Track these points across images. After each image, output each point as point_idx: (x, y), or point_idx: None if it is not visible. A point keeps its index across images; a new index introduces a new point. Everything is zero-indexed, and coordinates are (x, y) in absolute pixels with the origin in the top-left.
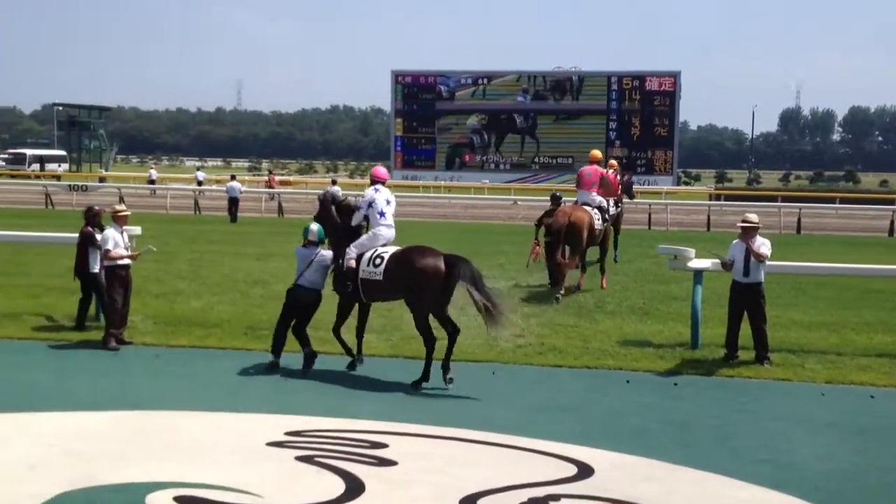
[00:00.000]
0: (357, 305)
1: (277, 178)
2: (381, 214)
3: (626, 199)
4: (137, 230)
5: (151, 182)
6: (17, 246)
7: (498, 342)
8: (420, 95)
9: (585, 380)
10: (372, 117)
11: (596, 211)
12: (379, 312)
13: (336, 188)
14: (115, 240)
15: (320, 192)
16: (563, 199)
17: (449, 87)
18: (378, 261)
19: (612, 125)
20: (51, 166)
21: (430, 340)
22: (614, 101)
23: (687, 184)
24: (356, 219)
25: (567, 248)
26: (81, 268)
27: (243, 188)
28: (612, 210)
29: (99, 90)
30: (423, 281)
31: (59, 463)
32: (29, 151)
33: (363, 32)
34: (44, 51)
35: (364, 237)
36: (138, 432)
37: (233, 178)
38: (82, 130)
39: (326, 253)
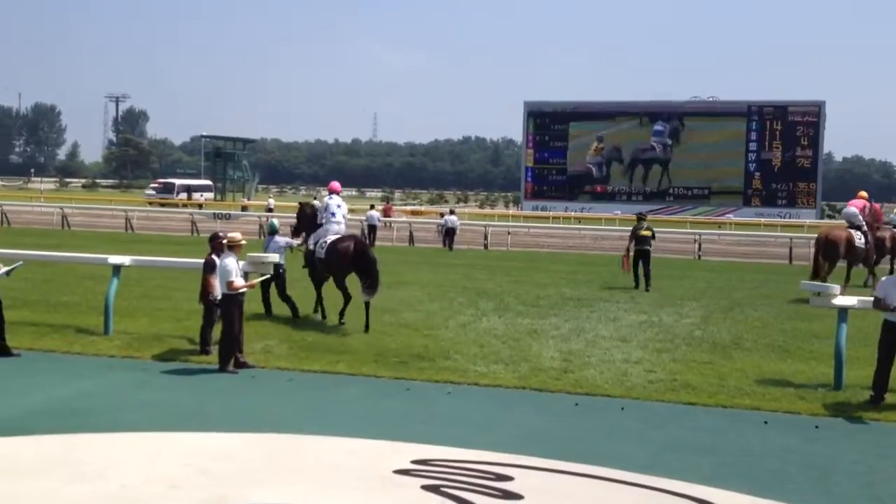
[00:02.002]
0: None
1: (409, 207)
2: (332, 214)
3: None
4: (276, 257)
5: (269, 210)
6: (164, 271)
7: (629, 377)
8: (552, 126)
9: (720, 419)
10: (503, 148)
11: (857, 231)
12: (508, 343)
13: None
14: (236, 270)
15: (440, 220)
16: (648, 216)
17: (581, 117)
18: (323, 244)
19: (752, 156)
20: (197, 195)
21: (346, 298)
22: (754, 131)
23: (831, 217)
24: (319, 218)
25: (827, 264)
26: (205, 293)
27: (381, 217)
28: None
29: (244, 123)
30: (340, 257)
31: (195, 482)
32: (177, 181)
33: (496, 64)
34: (193, 87)
35: (320, 230)
36: (269, 454)
37: (372, 207)
38: (227, 161)
39: (280, 239)
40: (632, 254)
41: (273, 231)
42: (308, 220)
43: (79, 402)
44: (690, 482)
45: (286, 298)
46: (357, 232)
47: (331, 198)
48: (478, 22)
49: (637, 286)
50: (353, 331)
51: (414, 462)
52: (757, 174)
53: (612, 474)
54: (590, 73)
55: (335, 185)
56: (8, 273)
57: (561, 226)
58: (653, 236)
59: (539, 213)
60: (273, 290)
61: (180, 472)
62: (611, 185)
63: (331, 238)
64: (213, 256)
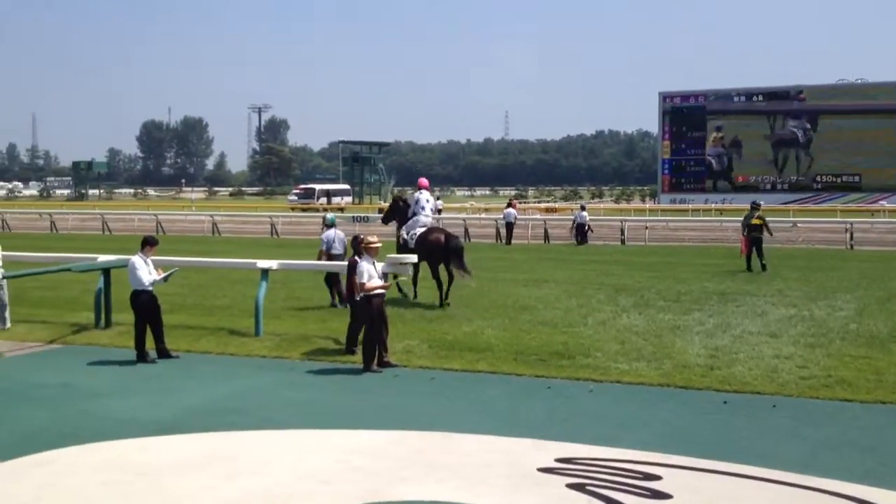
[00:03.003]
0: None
1: (543, 205)
2: (422, 208)
3: None
4: (414, 258)
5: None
6: (308, 274)
7: (780, 374)
8: (689, 116)
9: (879, 416)
10: (638, 140)
11: None
12: (649, 340)
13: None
14: (368, 272)
15: (574, 214)
16: (762, 205)
17: (720, 105)
18: (413, 235)
19: None
20: (337, 199)
21: (441, 282)
22: None
23: None
24: (410, 211)
25: None
26: (350, 294)
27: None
28: None
29: (378, 126)
30: (433, 248)
31: (347, 478)
32: (318, 186)
33: (629, 56)
34: (330, 94)
35: (410, 221)
36: (417, 451)
37: (509, 204)
38: (364, 165)
39: (330, 233)
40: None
41: (331, 224)
42: (401, 213)
43: (233, 402)
44: (846, 481)
45: (330, 285)
46: (492, 230)
47: (420, 193)
48: (606, 12)
49: (750, 269)
50: (493, 329)
51: (558, 460)
52: None
53: (764, 473)
54: (726, 60)
55: (423, 181)
56: (165, 279)
57: (701, 218)
58: (764, 223)
59: (677, 205)
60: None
61: (330, 469)
62: (753, 176)
63: (419, 230)
64: (357, 258)
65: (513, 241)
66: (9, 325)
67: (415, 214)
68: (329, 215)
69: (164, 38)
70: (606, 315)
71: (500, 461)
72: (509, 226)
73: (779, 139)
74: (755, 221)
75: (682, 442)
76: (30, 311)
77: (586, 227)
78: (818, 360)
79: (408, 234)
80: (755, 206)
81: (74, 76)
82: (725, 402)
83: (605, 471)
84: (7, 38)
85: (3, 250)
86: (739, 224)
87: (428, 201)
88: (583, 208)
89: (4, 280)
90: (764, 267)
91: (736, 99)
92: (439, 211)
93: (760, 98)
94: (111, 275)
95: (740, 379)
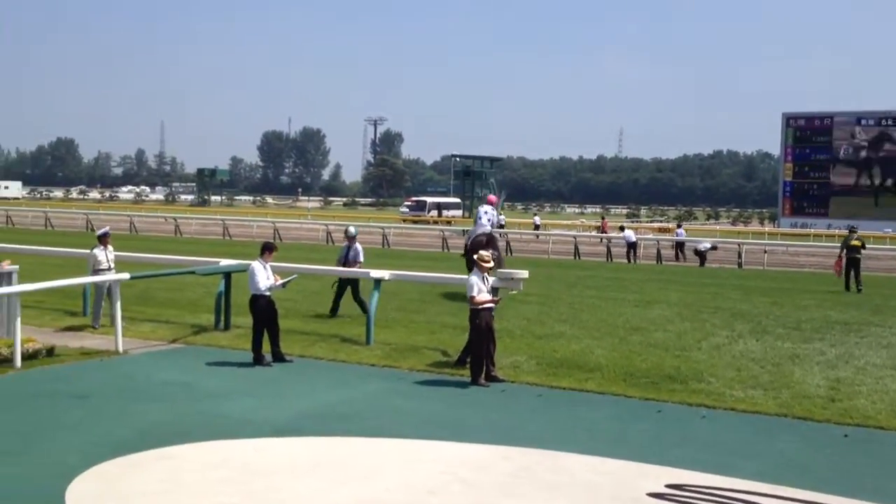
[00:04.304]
0: None
1: (656, 224)
2: (479, 218)
3: None
4: (525, 273)
5: (536, 227)
6: (419, 285)
7: None
8: (813, 138)
9: None
10: (758, 162)
11: None
12: (766, 368)
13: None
14: (478, 286)
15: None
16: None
17: (847, 129)
18: (469, 237)
19: None
20: (447, 213)
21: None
22: None
23: None
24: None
25: None
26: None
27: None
28: None
29: (491, 141)
30: (477, 245)
31: (452, 490)
32: (429, 199)
33: (750, 75)
34: (444, 108)
35: (471, 230)
36: (524, 468)
37: (621, 228)
38: (475, 179)
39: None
40: (844, 262)
41: (351, 237)
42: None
43: (344, 408)
44: None
45: (360, 301)
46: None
47: (483, 207)
48: (727, 30)
49: (848, 289)
50: (602, 349)
51: (668, 486)
52: None
53: None
54: (852, 83)
55: (492, 197)
56: (284, 285)
57: (823, 244)
58: (863, 246)
59: (798, 230)
60: (349, 292)
61: (437, 480)
62: (881, 201)
63: (474, 234)
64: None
65: (613, 260)
66: (98, 325)
67: (476, 225)
68: (351, 228)
69: (285, 50)
70: (721, 340)
71: (607, 483)
72: (631, 245)
73: None
74: (854, 243)
75: (798, 474)
76: (156, 311)
77: (702, 250)
78: None
79: (469, 238)
80: (853, 230)
81: (202, 86)
82: (846, 436)
83: (717, 499)
84: (138, 47)
85: (130, 252)
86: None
87: (486, 213)
88: (679, 225)
89: (110, 282)
90: (860, 288)
91: (863, 122)
92: (501, 226)
93: (890, 122)
94: (231, 279)
95: (863, 412)
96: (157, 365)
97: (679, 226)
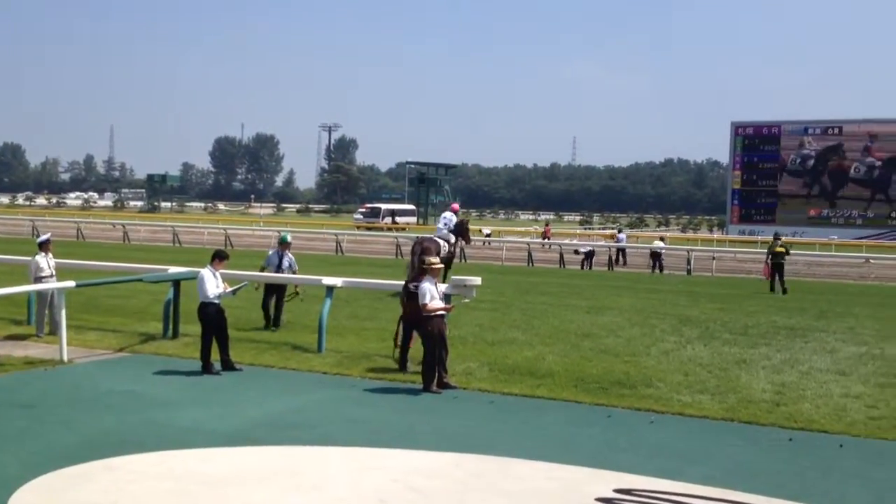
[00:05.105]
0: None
1: (608, 231)
2: (437, 223)
3: None
4: (478, 280)
5: (487, 236)
6: (371, 292)
7: (848, 413)
8: (762, 147)
9: None
10: (707, 170)
11: None
12: (714, 373)
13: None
14: (430, 293)
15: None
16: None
17: (793, 137)
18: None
19: None
20: (401, 219)
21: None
22: None
23: None
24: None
25: None
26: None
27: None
28: None
29: (446, 149)
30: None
31: (404, 498)
32: (383, 206)
33: (701, 84)
34: (398, 116)
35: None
36: (475, 475)
37: (620, 231)
38: (430, 186)
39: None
40: (770, 267)
41: (282, 242)
42: (463, 232)
43: (294, 416)
44: None
45: (266, 308)
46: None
47: (444, 213)
48: (682, 41)
49: (773, 291)
50: (554, 355)
51: (617, 491)
52: None
53: None
54: (800, 92)
55: (454, 205)
56: (234, 293)
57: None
58: (787, 252)
59: (746, 237)
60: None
61: (389, 488)
62: (825, 210)
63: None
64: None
65: (566, 266)
66: (42, 333)
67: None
68: (287, 235)
69: (239, 55)
70: (670, 345)
71: (557, 488)
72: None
73: (852, 173)
74: (778, 249)
75: (745, 478)
76: (102, 320)
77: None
78: (888, 401)
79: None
80: (777, 237)
81: (151, 91)
82: (790, 440)
83: (665, 503)
84: (87, 50)
85: (77, 259)
86: (799, 258)
87: (444, 218)
88: (662, 239)
89: (54, 290)
90: (785, 290)
91: (811, 131)
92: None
93: (836, 131)
94: (181, 286)
95: (807, 416)
96: (103, 374)
97: (620, 231)
